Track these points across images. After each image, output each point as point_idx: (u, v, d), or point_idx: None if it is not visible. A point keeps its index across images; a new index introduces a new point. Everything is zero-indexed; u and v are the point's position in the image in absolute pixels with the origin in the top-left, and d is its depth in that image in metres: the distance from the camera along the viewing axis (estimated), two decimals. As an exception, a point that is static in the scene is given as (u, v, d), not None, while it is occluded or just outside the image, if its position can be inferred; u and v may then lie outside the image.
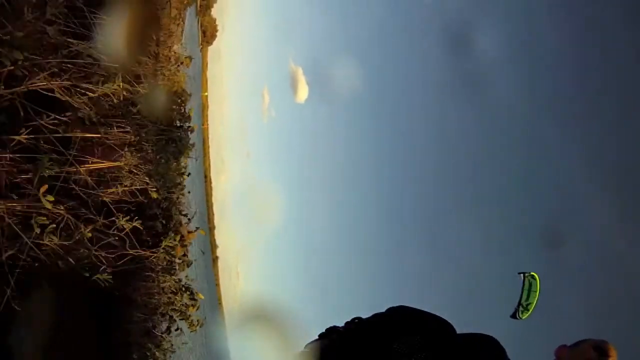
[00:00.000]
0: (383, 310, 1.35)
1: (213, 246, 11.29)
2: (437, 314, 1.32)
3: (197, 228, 5.26)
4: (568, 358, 1.43)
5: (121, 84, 2.89)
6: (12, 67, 2.21)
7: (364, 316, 1.36)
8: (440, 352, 1.23)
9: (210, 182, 12.97)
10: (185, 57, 5.87)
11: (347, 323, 1.37)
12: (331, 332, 1.37)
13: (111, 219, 3.01)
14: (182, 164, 5.18)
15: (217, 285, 10.39)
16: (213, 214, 12.35)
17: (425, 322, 1.30)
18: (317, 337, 1.37)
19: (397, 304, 1.35)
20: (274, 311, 1.35)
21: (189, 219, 5.09)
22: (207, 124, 12.79)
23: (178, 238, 4.17)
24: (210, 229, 11.87)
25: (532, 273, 5.53)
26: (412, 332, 1.26)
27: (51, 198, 2.39)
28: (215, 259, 10.53)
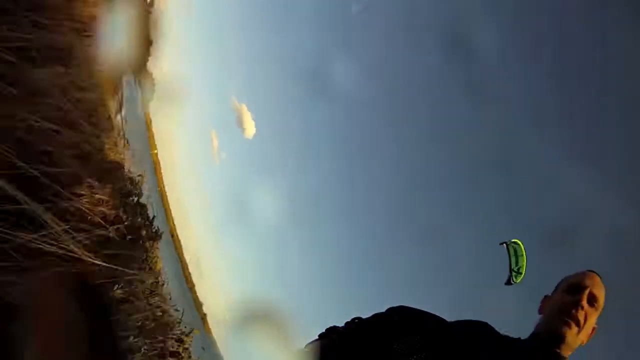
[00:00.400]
0: (383, 310, 1.35)
1: (197, 304, 11.04)
2: (437, 314, 1.32)
3: (192, 329, 5.40)
4: (548, 311, 1.35)
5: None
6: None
7: (364, 316, 1.36)
8: (440, 352, 1.23)
9: (180, 242, 12.51)
10: (139, 175, 5.75)
11: (347, 323, 1.36)
12: (331, 332, 1.36)
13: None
14: (156, 269, 5.08)
15: (209, 333, 10.16)
16: (189, 273, 12.00)
17: (425, 322, 1.30)
18: (317, 337, 1.37)
19: (397, 304, 1.35)
20: (273, 311, 1.35)
21: (180, 318, 5.18)
22: (163, 185, 12.09)
23: (178, 347, 4.22)
24: (190, 288, 11.60)
25: (514, 240, 5.47)
26: (412, 332, 1.25)
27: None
28: (203, 317, 10.32)
